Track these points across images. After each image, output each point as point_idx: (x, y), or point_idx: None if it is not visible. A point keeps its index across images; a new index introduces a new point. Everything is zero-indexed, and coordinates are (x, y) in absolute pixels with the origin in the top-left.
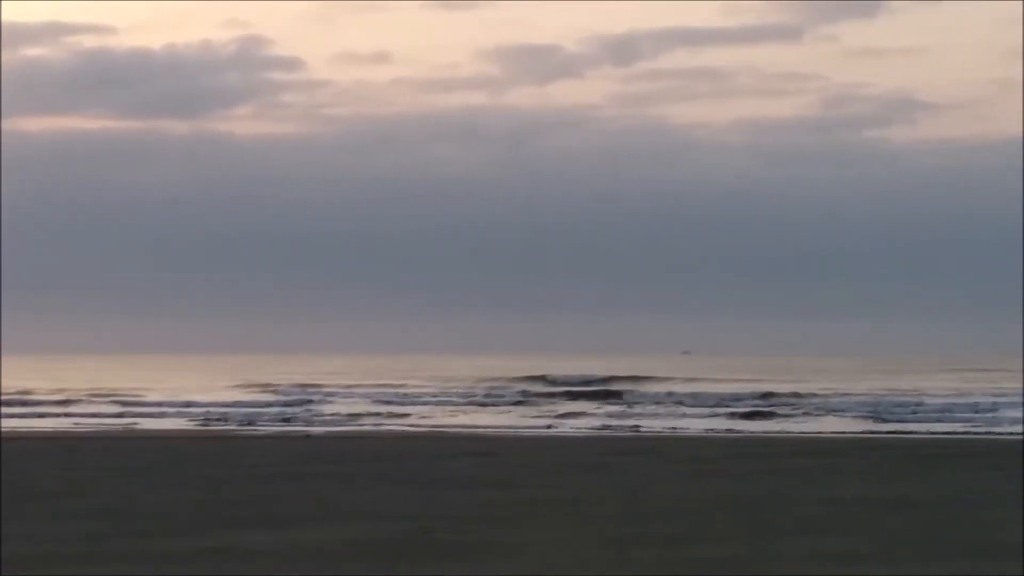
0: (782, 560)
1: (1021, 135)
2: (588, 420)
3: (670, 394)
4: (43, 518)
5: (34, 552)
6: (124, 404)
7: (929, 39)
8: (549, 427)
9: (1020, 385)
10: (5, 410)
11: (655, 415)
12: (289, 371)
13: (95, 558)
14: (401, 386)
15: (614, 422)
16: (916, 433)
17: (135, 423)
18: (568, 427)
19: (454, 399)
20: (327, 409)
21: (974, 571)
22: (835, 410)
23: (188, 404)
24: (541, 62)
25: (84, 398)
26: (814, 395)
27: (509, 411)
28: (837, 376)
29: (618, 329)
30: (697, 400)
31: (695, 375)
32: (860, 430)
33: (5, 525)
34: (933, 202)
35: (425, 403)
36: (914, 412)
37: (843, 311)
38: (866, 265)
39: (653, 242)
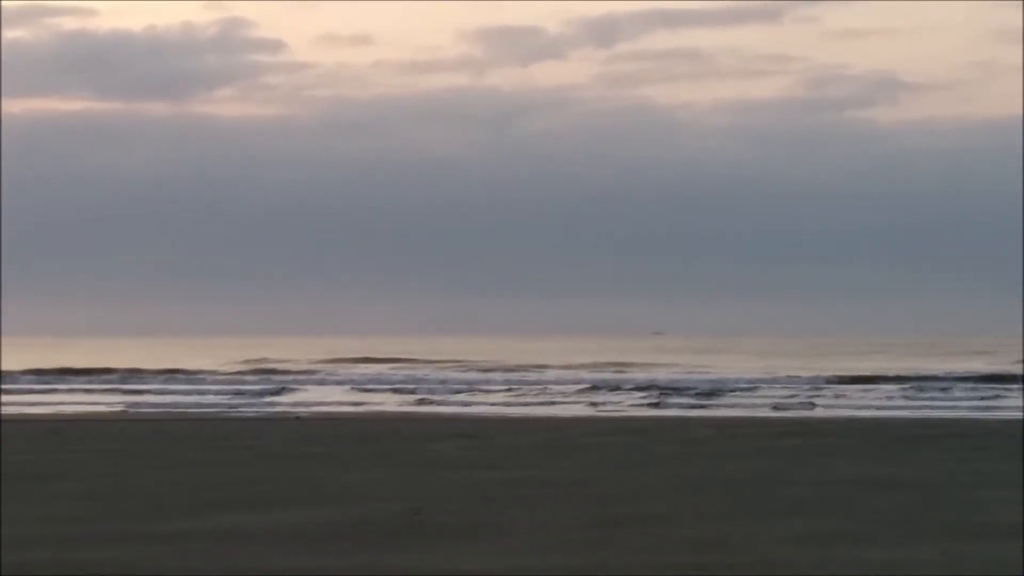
0: (769, 541)
1: (1005, 116)
2: (574, 405)
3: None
4: (32, 501)
5: (24, 535)
6: (110, 386)
7: (911, 20)
8: (536, 409)
9: (1004, 366)
10: None
11: (634, 400)
12: (271, 352)
13: (85, 541)
14: (386, 367)
15: (598, 403)
16: (901, 416)
17: (121, 405)
18: (555, 409)
19: (444, 381)
20: (313, 391)
21: (963, 551)
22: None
23: (177, 386)
24: (523, 43)
25: (62, 379)
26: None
27: (495, 393)
28: (818, 358)
29: (596, 309)
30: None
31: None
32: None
33: None
34: (916, 183)
35: (412, 385)
36: (889, 397)
37: (826, 291)
38: (849, 245)
39: (636, 223)
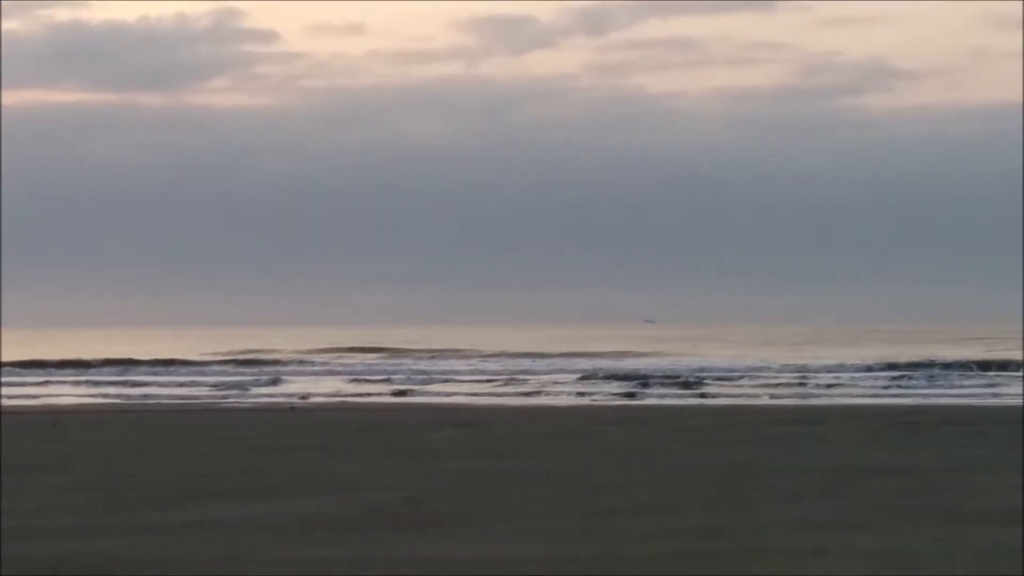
0: (766, 528)
1: (998, 102)
2: (566, 395)
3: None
4: (32, 492)
5: (24, 526)
6: (105, 377)
7: (903, 7)
8: (530, 399)
9: (1001, 352)
10: None
11: (624, 389)
12: (266, 342)
13: (81, 532)
14: (381, 357)
15: (588, 392)
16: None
17: (117, 396)
18: (548, 398)
19: (438, 371)
20: (308, 381)
21: (960, 538)
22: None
23: (173, 377)
24: (515, 32)
25: (58, 370)
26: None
27: (488, 382)
28: (813, 344)
29: (588, 298)
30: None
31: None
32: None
33: None
34: (909, 170)
35: (406, 375)
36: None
37: (819, 279)
38: (842, 233)
39: (627, 212)
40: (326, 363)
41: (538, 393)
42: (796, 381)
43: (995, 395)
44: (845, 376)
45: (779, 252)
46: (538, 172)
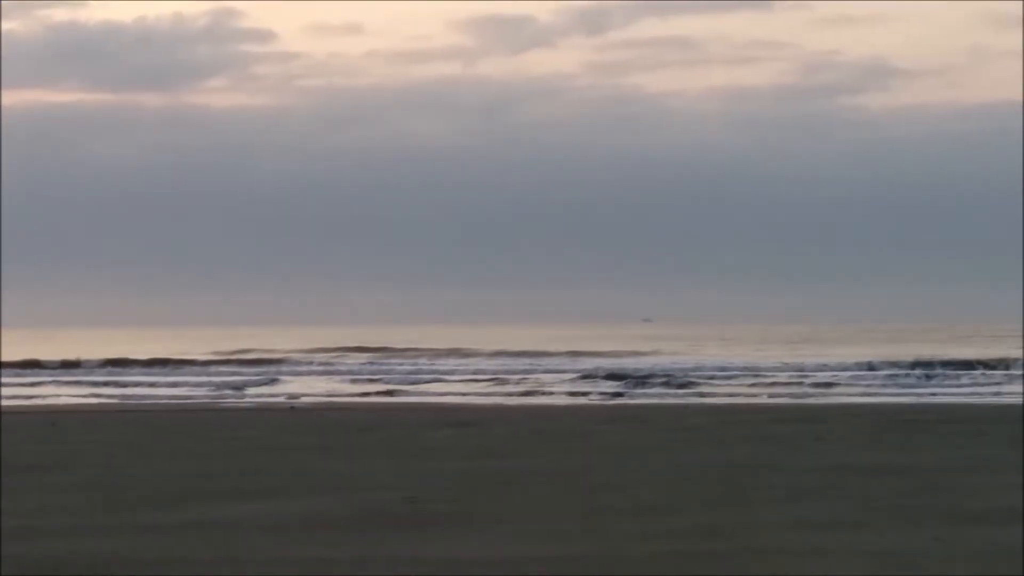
0: (764, 528)
1: (996, 101)
2: (564, 394)
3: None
4: (28, 492)
5: (24, 526)
6: (103, 377)
7: (902, 5)
8: (529, 398)
9: (999, 351)
10: None
11: (619, 388)
12: (264, 342)
13: (79, 532)
14: (380, 356)
15: (586, 392)
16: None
17: (115, 396)
18: (546, 397)
19: (437, 370)
20: (307, 380)
21: (960, 537)
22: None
23: (171, 377)
24: (514, 32)
25: (56, 370)
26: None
27: (487, 382)
28: (813, 343)
29: (586, 297)
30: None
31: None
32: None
33: None
34: (908, 169)
35: (404, 374)
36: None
37: (818, 278)
38: (840, 232)
39: (626, 211)
40: (325, 363)
41: (537, 392)
42: (795, 380)
43: (995, 394)
44: (844, 375)
45: (778, 252)
46: (537, 172)
